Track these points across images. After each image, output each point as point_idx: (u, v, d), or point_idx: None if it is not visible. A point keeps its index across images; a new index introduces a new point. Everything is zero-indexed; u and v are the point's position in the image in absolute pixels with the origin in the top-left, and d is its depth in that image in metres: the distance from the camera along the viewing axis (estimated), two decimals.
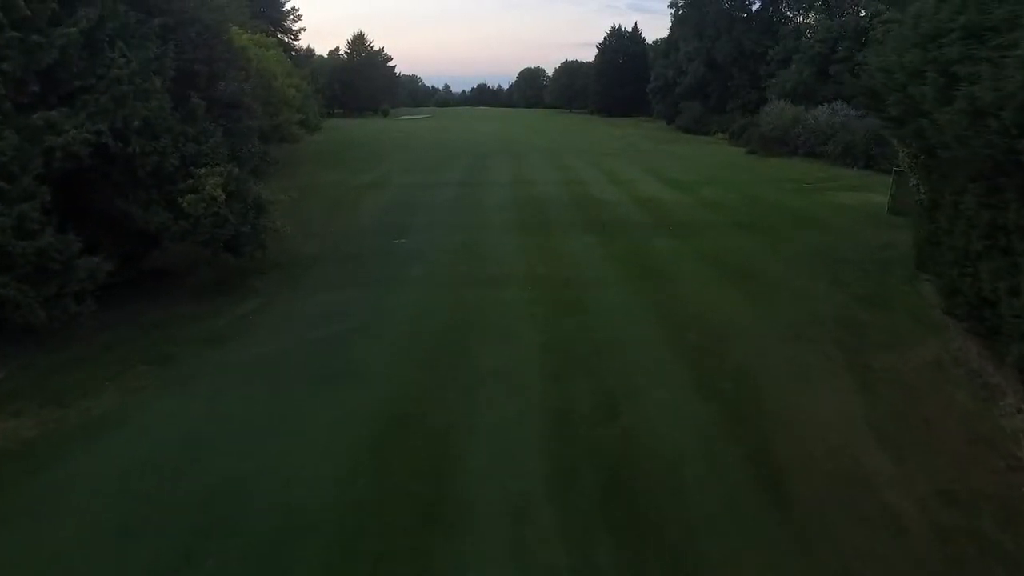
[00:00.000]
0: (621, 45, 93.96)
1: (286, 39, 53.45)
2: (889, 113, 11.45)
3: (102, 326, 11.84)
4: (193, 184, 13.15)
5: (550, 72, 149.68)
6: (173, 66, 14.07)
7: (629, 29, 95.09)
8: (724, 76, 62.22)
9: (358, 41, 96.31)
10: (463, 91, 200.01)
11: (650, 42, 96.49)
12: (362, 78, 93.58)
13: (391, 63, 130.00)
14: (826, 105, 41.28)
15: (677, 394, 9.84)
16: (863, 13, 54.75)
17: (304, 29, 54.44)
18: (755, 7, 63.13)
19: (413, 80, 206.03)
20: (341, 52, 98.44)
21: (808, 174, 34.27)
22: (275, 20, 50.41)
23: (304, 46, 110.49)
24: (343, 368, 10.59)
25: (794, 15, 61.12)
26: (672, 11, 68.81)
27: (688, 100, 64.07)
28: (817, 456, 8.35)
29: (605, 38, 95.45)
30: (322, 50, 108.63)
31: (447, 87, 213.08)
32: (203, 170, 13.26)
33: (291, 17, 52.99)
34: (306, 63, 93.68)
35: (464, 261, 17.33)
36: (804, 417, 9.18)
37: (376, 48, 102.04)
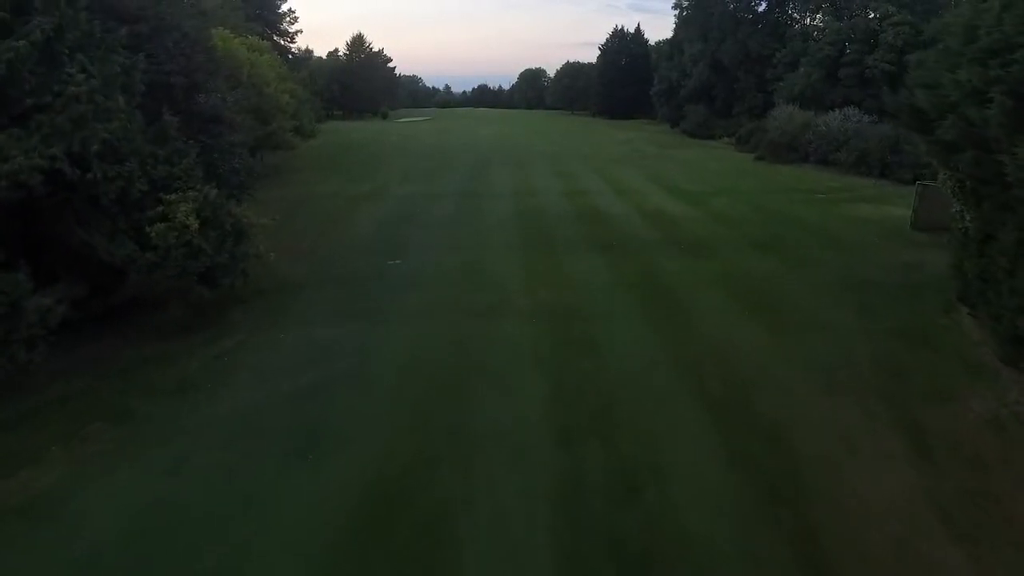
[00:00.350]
0: (623, 46, 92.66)
1: (282, 42, 52.23)
2: (939, 137, 10.16)
3: (57, 374, 10.63)
4: (163, 211, 11.92)
5: (551, 73, 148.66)
6: (144, 79, 12.84)
7: (631, 30, 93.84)
8: (729, 79, 60.93)
9: (357, 42, 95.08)
10: (464, 92, 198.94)
11: (653, 43, 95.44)
12: (361, 80, 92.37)
13: (391, 64, 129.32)
14: (837, 111, 40.04)
15: (703, 463, 8.59)
16: (871, 15, 53.61)
17: (300, 31, 53.65)
18: (761, 8, 61.89)
19: (414, 80, 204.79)
20: (340, 53, 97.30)
21: (821, 183, 33.00)
22: (271, 23, 49.21)
23: (303, 47, 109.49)
24: (323, 429, 9.35)
25: (801, 16, 59.85)
26: (676, 12, 67.54)
27: (693, 103, 62.79)
28: (874, 547, 7.11)
29: (607, 39, 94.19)
30: (322, 51, 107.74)
31: (448, 88, 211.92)
32: (174, 196, 12.03)
33: (287, 19, 51.85)
34: (303, 65, 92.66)
35: (463, 287, 16.09)
36: (853, 494, 7.93)
37: (375, 49, 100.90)
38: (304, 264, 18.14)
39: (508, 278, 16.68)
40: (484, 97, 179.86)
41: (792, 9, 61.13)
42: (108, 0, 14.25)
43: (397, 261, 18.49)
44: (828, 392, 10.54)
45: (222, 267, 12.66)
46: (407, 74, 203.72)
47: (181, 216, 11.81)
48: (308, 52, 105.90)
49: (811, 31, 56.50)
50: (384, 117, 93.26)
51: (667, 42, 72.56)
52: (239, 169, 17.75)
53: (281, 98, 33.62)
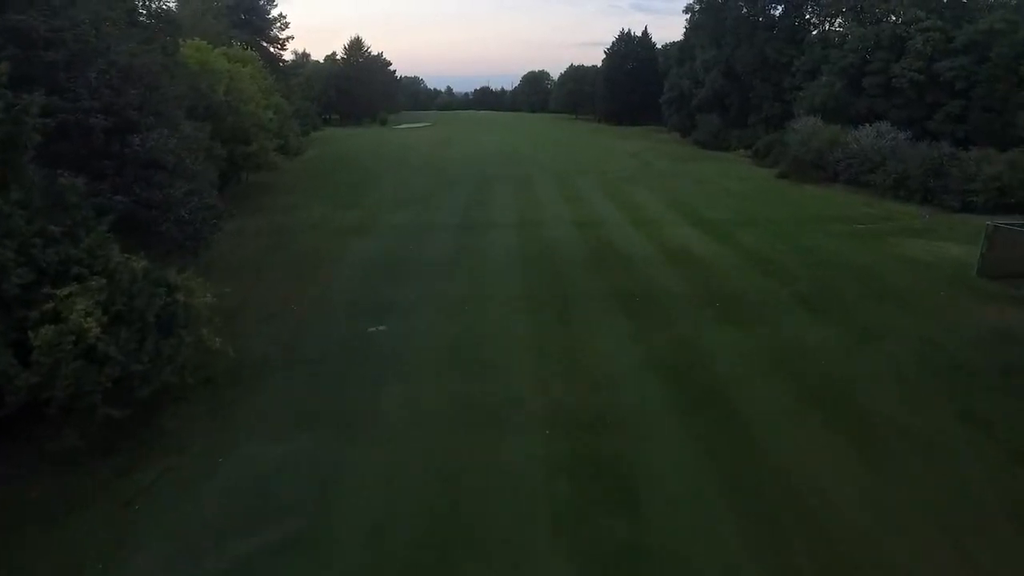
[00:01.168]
0: (630, 50, 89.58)
1: (272, 49, 49.25)
2: None
3: None
4: (53, 309, 8.89)
5: (554, 75, 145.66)
6: (39, 125, 9.79)
7: (637, 32, 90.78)
8: (744, 87, 57.81)
9: (355, 46, 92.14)
10: (466, 94, 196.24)
11: (660, 46, 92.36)
12: (359, 84, 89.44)
13: (391, 67, 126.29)
14: (869, 126, 36.88)
15: None
16: (893, 19, 50.46)
17: (291, 37, 50.55)
18: (777, 13, 58.71)
19: (415, 82, 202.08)
20: (338, 57, 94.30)
21: (856, 209, 29.90)
22: (259, 29, 46.25)
23: (300, 51, 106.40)
24: None
25: (820, 22, 56.73)
26: (687, 17, 64.45)
27: (705, 112, 59.69)
28: None
29: (613, 43, 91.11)
30: (322, 54, 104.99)
31: (449, 89, 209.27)
32: (69, 288, 8.99)
33: (277, 25, 48.88)
34: (296, 72, 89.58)
35: (456, 375, 13.01)
36: None
37: (374, 53, 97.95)
38: (271, 332, 15.09)
39: (513, 360, 13.60)
40: (486, 99, 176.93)
41: (810, 14, 58.05)
42: (9, 20, 11.25)
43: (380, 328, 15.43)
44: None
45: (141, 376, 9.62)
46: (408, 75, 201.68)
47: (77, 315, 8.77)
48: (304, 56, 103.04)
49: (831, 37, 53.41)
50: (383, 123, 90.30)
51: (677, 47, 69.47)
52: (191, 219, 14.71)
53: (263, 115, 30.59)
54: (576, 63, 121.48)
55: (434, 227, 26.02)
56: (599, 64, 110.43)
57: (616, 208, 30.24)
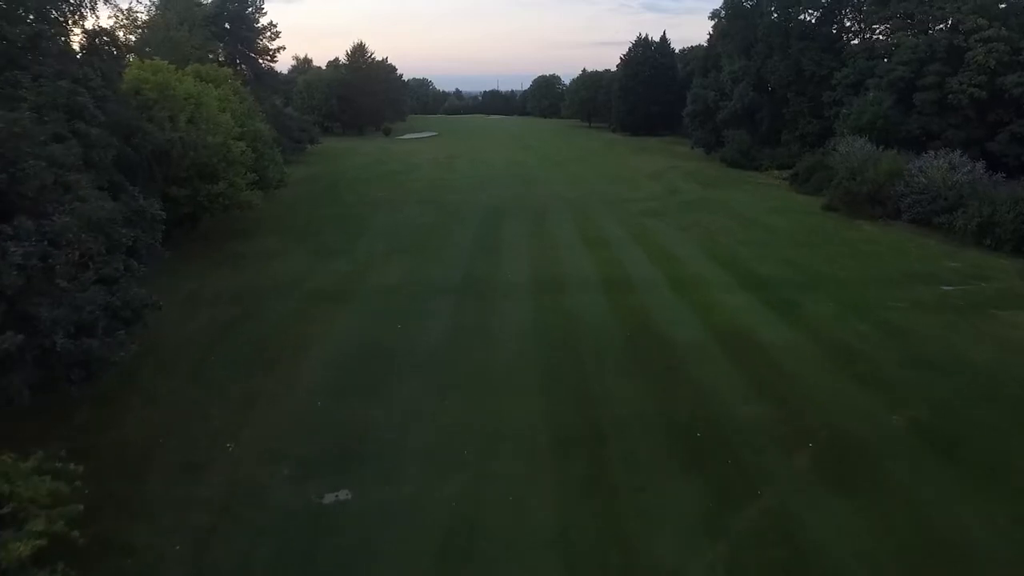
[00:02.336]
0: (647, 56, 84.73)
1: (261, 61, 44.95)
2: None
3: None
4: None
5: (565, 77, 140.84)
6: None
7: (655, 37, 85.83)
8: (777, 101, 52.95)
9: (358, 52, 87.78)
10: (475, 96, 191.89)
11: (678, 50, 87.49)
12: (363, 93, 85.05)
13: (397, 72, 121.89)
14: (936, 155, 31.84)
15: None
16: (942, 27, 45.44)
17: (283, 48, 45.76)
18: (812, 20, 53.72)
19: (423, 84, 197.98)
20: (341, 63, 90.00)
21: (937, 263, 25.08)
22: (245, 39, 41.94)
23: (302, 55, 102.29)
24: None
25: (862, 29, 51.66)
26: (712, 23, 59.61)
27: (733, 128, 54.82)
28: None
29: (630, 48, 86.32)
30: (328, 55, 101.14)
31: (458, 92, 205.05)
32: None
33: (267, 35, 44.56)
34: (292, 81, 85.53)
35: None
36: None
37: (379, 59, 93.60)
38: (174, 520, 10.56)
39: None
40: (495, 102, 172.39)
41: (850, 20, 53.02)
42: None
43: (341, 495, 10.87)
44: None
45: None
46: (417, 76, 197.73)
47: None
48: (306, 62, 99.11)
49: (876, 47, 48.40)
50: (386, 134, 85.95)
51: (701, 55, 64.61)
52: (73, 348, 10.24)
53: (234, 148, 26.16)
54: (587, 65, 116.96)
55: (430, 290, 21.46)
56: (612, 68, 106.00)
57: (648, 259, 25.54)
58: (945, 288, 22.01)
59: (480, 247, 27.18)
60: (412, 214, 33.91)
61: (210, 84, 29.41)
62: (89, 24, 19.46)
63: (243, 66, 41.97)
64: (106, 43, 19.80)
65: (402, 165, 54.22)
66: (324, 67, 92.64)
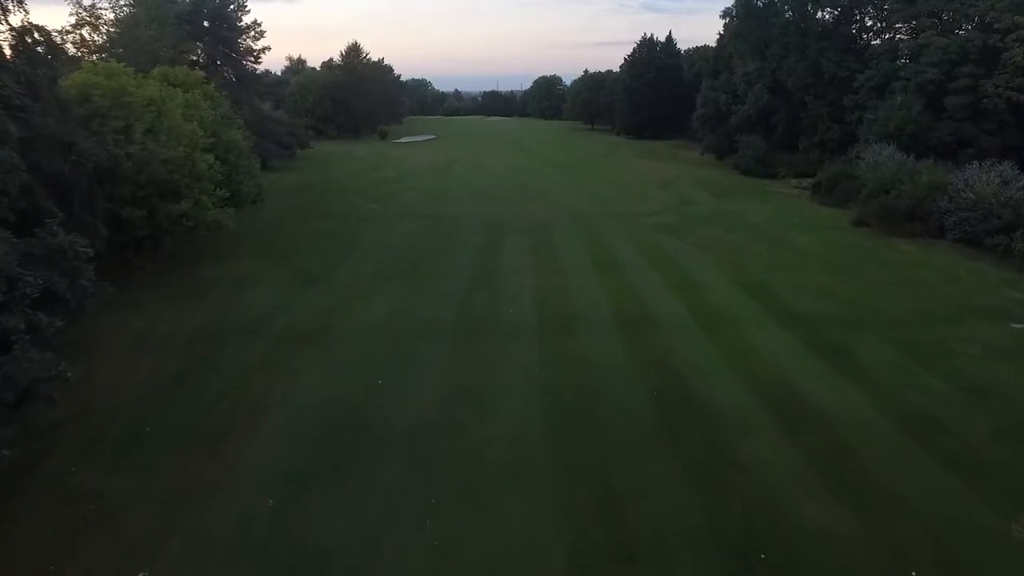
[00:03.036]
0: (652, 57, 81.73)
1: (244, 63, 41.94)
2: None
3: None
4: None
5: (565, 77, 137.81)
6: None
7: (658, 36, 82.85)
8: (794, 105, 49.94)
9: (353, 52, 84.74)
10: (474, 97, 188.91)
11: (683, 51, 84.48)
12: (358, 95, 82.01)
13: (396, 73, 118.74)
14: (987, 168, 28.74)
15: None
16: (969, 26, 42.47)
17: (268, 49, 42.59)
18: (829, 19, 50.73)
19: (422, 84, 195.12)
20: (336, 63, 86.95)
21: (998, 293, 22.08)
22: (226, 39, 38.91)
23: (295, 56, 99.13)
24: None
25: (883, 28, 48.63)
26: (724, 22, 56.60)
27: (747, 133, 51.81)
28: None
29: (635, 49, 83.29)
30: (325, 55, 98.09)
31: (457, 92, 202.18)
32: None
33: (251, 34, 41.49)
34: (280, 84, 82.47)
35: None
36: None
37: (375, 59, 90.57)
38: None
39: None
40: (495, 103, 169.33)
41: (871, 19, 49.98)
42: None
43: None
44: None
45: None
46: (416, 77, 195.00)
47: None
48: (300, 63, 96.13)
49: (900, 47, 45.39)
50: (382, 137, 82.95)
51: (711, 56, 61.58)
52: None
53: (200, 162, 23.16)
54: (587, 65, 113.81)
55: (419, 330, 18.46)
56: (615, 69, 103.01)
57: (667, 287, 22.55)
58: (1016, 327, 19.04)
59: (478, 272, 24.16)
60: (405, 231, 30.91)
61: (178, 88, 26.46)
62: (16, 21, 16.46)
63: (224, 68, 38.92)
64: (38, 43, 16.78)
65: (397, 172, 51.22)
66: (319, 68, 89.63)
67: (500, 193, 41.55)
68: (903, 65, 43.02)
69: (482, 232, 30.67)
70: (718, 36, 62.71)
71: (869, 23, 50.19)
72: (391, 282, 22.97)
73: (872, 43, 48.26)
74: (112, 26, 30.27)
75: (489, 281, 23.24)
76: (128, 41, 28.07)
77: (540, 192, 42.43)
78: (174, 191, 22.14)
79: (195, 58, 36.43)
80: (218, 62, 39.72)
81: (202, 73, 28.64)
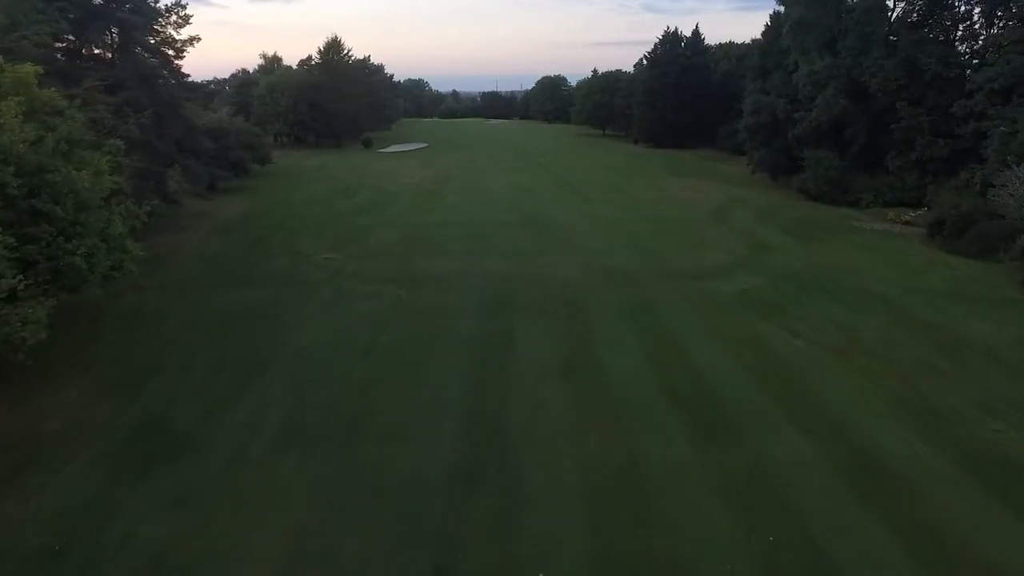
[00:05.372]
0: (676, 55, 71.07)
1: (155, 58, 31.15)
2: None
3: None
4: None
5: (569, 77, 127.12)
6: None
7: (683, 31, 72.19)
8: (878, 112, 39.23)
9: (332, 49, 73.89)
10: (473, 98, 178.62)
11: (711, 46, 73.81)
12: (338, 98, 71.25)
13: (388, 72, 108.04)
14: None
15: None
16: None
17: (197, 39, 32.25)
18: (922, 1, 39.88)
19: (419, 85, 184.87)
20: (315, 60, 76.11)
21: None
22: (127, 23, 28.09)
23: (270, 53, 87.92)
24: None
25: (999, 15, 37.67)
26: (781, 8, 45.92)
27: (814, 147, 41.05)
28: None
29: (656, 45, 72.77)
30: (306, 58, 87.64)
31: (455, 93, 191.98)
32: None
33: (171, 19, 30.72)
34: (250, 84, 71.76)
35: None
36: None
37: (359, 57, 79.88)
38: None
39: None
40: (495, 105, 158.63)
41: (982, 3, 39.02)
42: None
43: None
44: None
45: None
46: (413, 77, 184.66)
47: None
48: (274, 61, 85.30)
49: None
50: (366, 145, 72.21)
51: (758, 53, 50.79)
52: None
53: None
54: (587, 64, 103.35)
55: None
56: (613, 69, 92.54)
57: (827, 464, 11.84)
58: None
59: (473, 432, 13.38)
60: (361, 313, 20.19)
61: None
62: None
63: (122, 61, 28.18)
64: None
65: (373, 197, 40.50)
66: (296, 66, 78.88)
67: (504, 235, 30.79)
68: None
69: (478, 315, 19.95)
70: (764, 27, 52.10)
71: (971, 7, 39.29)
72: (308, 461, 12.23)
73: (992, 30, 37.19)
74: None
75: (491, 442, 12.50)
76: None
77: (557, 231, 31.71)
78: None
79: (63, 44, 25.80)
80: (110, 54, 28.96)
81: (38, 68, 17.87)
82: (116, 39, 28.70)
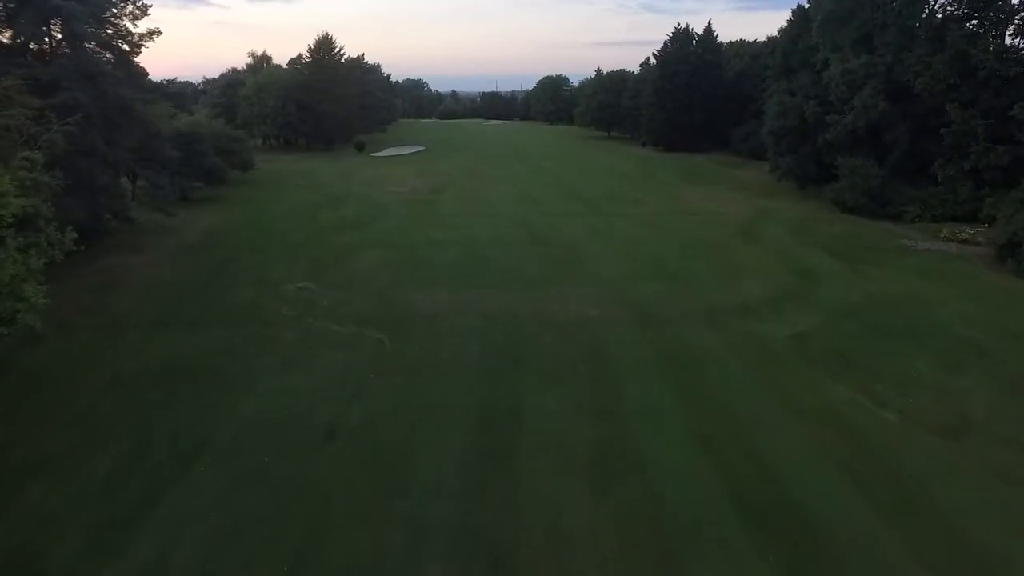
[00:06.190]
0: (687, 53, 67.01)
1: (106, 54, 27.09)
2: None
3: None
4: None
5: (571, 77, 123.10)
6: None
7: (694, 27, 68.10)
8: (922, 116, 35.22)
9: (323, 47, 69.77)
10: (473, 99, 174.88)
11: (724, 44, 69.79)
12: (329, 99, 67.22)
13: (384, 72, 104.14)
14: None
15: None
16: None
17: (157, 32, 28.76)
18: None
19: (418, 85, 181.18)
20: (305, 59, 71.99)
21: None
22: (72, 13, 24.02)
23: (259, 52, 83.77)
24: None
25: None
26: (804, 2, 41.94)
27: (848, 154, 37.04)
28: None
29: (665, 43, 68.63)
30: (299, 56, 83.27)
31: (454, 94, 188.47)
32: None
33: (128, 9, 26.72)
34: (233, 86, 67.72)
35: None
36: None
37: (352, 55, 75.85)
38: None
39: None
40: (495, 106, 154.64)
41: None
42: None
43: None
44: None
45: None
46: (412, 77, 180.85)
47: None
48: (264, 59, 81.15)
49: None
50: (359, 149, 68.13)
51: (780, 50, 46.79)
52: None
53: None
54: (587, 64, 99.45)
55: None
56: (615, 69, 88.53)
57: None
58: None
59: (473, 557, 9.37)
60: (331, 369, 16.14)
61: None
62: None
63: (65, 54, 24.11)
64: None
65: (361, 210, 36.46)
66: (286, 65, 74.80)
67: (507, 257, 26.74)
68: None
69: (478, 375, 15.89)
70: (787, 22, 48.24)
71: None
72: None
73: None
74: None
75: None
76: None
77: (567, 252, 27.66)
78: None
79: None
80: (51, 44, 24.88)
81: None
82: (59, 32, 24.62)
